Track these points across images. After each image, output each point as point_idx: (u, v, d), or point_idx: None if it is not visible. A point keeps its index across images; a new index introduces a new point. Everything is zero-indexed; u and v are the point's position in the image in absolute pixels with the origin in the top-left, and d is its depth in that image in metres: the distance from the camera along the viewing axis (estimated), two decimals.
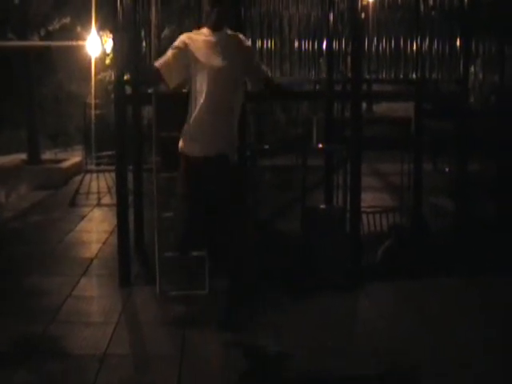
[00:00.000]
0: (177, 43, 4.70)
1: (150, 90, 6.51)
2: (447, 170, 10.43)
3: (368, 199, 8.16)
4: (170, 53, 4.70)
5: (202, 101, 4.56)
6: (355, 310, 6.09)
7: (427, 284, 6.43)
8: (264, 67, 4.98)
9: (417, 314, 5.78)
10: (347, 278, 6.47)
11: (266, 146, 11.41)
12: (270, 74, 4.98)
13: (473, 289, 6.36)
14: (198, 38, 4.65)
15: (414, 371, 4.62)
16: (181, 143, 4.76)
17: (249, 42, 4.86)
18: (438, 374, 4.57)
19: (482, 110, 8.11)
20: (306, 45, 7.38)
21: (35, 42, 14.08)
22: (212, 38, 4.63)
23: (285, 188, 8.46)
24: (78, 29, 14.67)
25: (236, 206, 4.84)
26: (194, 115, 4.63)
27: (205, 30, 4.70)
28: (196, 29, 4.95)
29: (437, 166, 12.62)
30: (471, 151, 7.59)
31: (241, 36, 4.83)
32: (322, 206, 7.72)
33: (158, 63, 4.73)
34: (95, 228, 9.21)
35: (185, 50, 4.63)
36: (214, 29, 4.66)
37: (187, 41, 4.65)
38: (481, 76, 7.94)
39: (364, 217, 7.57)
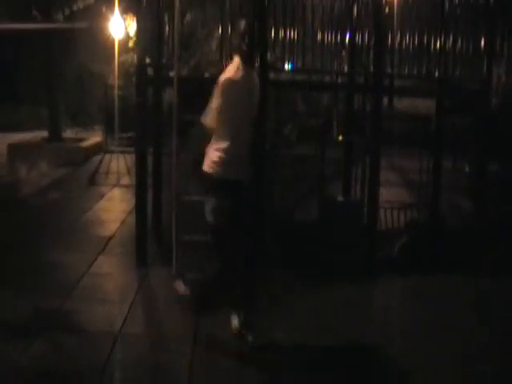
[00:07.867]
0: (222, 93, 4.68)
1: (171, 73, 6.52)
2: (467, 169, 10.37)
3: (386, 194, 8.17)
4: (217, 104, 4.69)
5: (236, 132, 4.72)
6: (366, 300, 6.13)
7: (440, 280, 6.45)
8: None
9: (426, 308, 5.85)
10: (361, 268, 6.53)
11: (286, 132, 11.44)
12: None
13: (485, 287, 6.37)
14: (236, 78, 4.68)
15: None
16: (217, 170, 4.74)
17: None
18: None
19: (504, 110, 8.05)
20: (329, 36, 7.35)
21: (58, 25, 14.18)
22: (245, 75, 4.73)
23: (303, 178, 8.46)
24: (102, 10, 14.71)
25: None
26: (228, 146, 4.69)
27: (239, 64, 4.74)
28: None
29: (456, 164, 12.56)
30: (491, 151, 7.56)
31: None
32: (340, 198, 7.74)
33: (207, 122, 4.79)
34: (114, 207, 9.32)
35: (227, 96, 4.67)
36: (249, 64, 4.78)
37: (229, 87, 4.66)
38: (504, 76, 7.89)
39: (381, 212, 7.58)
